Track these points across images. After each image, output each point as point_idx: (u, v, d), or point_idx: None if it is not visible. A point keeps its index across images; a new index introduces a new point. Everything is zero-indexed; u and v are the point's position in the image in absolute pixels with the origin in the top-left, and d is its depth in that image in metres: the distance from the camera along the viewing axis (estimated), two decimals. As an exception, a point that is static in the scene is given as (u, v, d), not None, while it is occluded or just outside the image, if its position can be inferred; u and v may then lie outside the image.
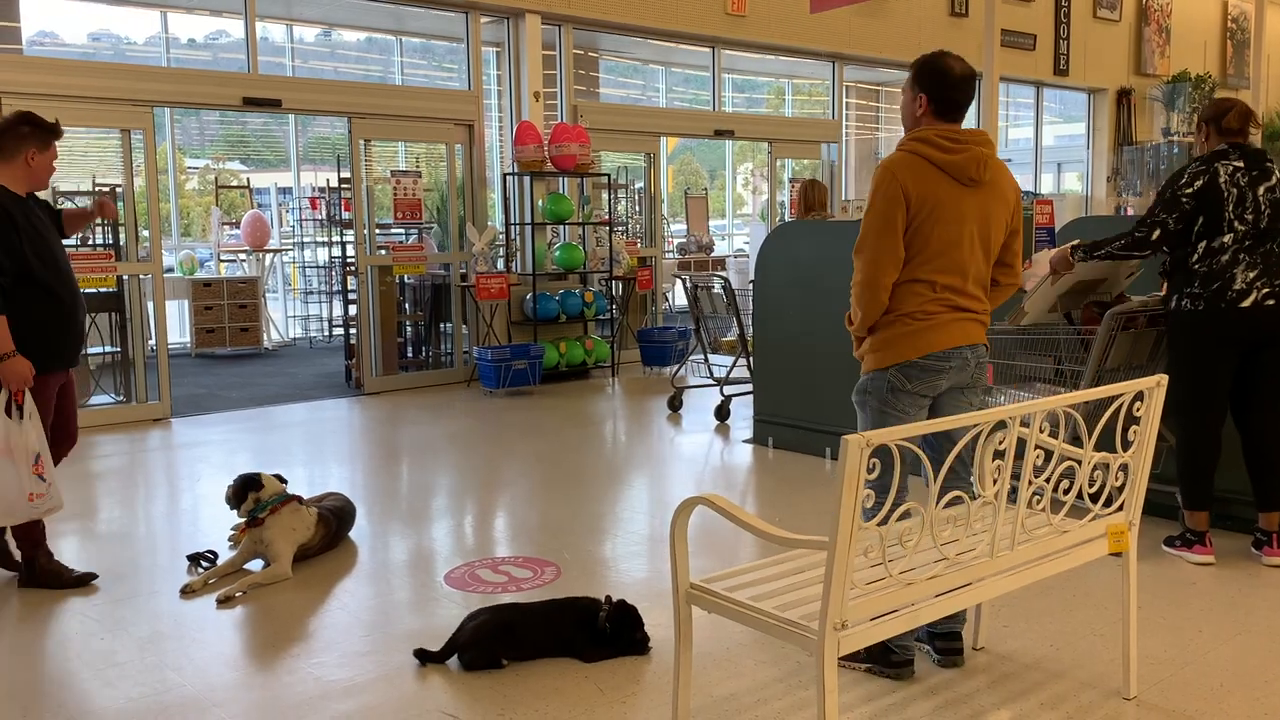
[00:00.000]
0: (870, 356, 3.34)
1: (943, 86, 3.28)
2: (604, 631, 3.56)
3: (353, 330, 9.61)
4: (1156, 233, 4.28)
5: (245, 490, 4.52)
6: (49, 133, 4.26)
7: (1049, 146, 16.00)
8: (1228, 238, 4.24)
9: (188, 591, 4.26)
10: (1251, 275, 4.25)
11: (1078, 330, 4.72)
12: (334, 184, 11.51)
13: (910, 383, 3.26)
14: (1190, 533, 4.46)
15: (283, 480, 4.67)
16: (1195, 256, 4.29)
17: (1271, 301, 4.24)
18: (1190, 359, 4.36)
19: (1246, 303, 4.23)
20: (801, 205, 8.27)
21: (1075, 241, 4.46)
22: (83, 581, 4.39)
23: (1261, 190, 4.24)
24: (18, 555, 4.49)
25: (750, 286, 7.14)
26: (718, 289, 7.90)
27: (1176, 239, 4.30)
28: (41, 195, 4.55)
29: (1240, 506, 4.70)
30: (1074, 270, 4.47)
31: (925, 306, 3.25)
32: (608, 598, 3.64)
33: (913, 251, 3.23)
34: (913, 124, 3.35)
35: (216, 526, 5.03)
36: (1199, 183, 4.26)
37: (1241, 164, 4.27)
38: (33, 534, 4.39)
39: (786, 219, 12.62)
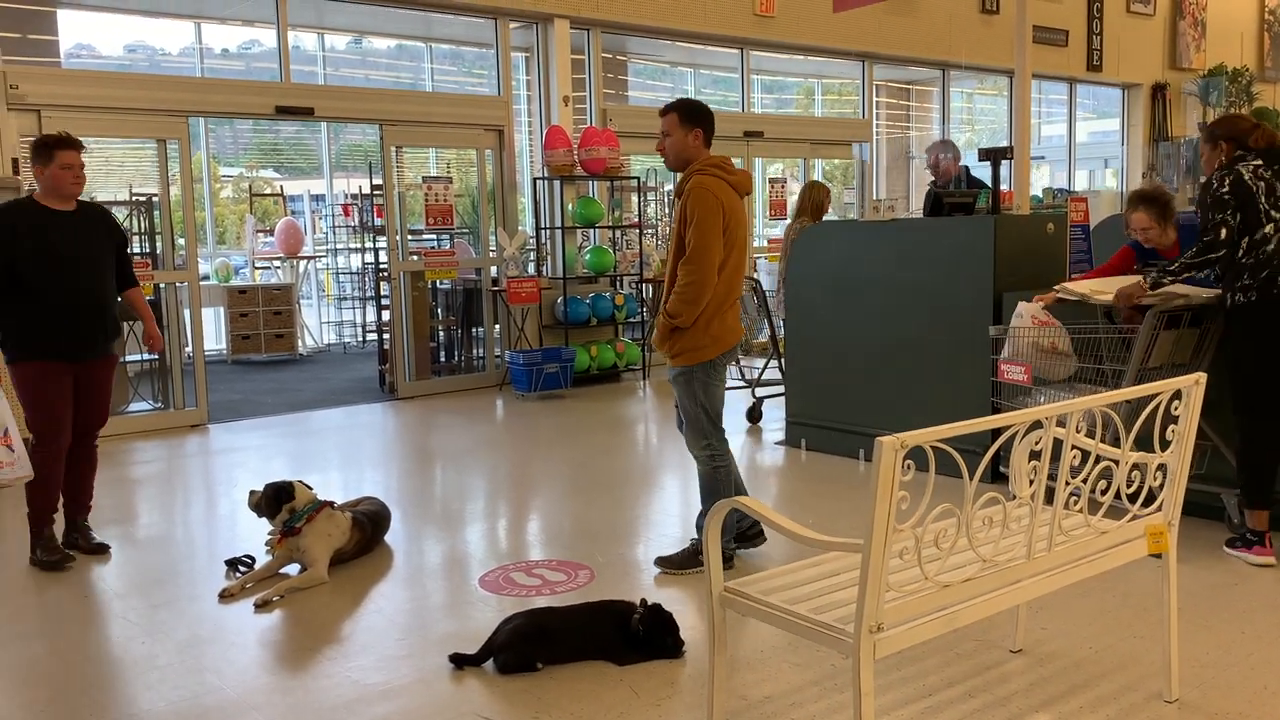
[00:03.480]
0: (697, 352, 4.27)
1: (710, 122, 4.33)
2: (637, 634, 3.56)
3: (386, 335, 9.68)
4: (1223, 232, 4.29)
5: (279, 502, 4.56)
6: (44, 147, 4.70)
7: (1083, 143, 15.83)
8: (1269, 228, 4.29)
9: (226, 596, 4.31)
10: None
11: (1119, 329, 4.67)
12: (366, 190, 11.60)
13: (724, 364, 4.36)
14: (1251, 533, 4.39)
15: (310, 488, 4.71)
16: (1241, 252, 4.32)
17: None
18: (1251, 352, 4.34)
19: None
20: (807, 208, 7.92)
21: (1138, 278, 4.51)
22: (59, 566, 4.71)
23: None
24: (95, 538, 5.00)
25: (781, 288, 7.12)
26: (747, 290, 7.88)
27: (1238, 234, 4.31)
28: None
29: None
30: (1158, 301, 4.46)
31: (729, 312, 4.30)
32: (642, 601, 3.64)
33: (727, 256, 4.19)
34: (689, 151, 4.29)
35: (254, 531, 5.08)
36: (1229, 182, 4.31)
37: (1260, 162, 4.34)
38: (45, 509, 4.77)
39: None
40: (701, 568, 4.06)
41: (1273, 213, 4.29)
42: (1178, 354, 4.70)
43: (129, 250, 5.17)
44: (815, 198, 8.00)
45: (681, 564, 4.45)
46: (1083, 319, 4.83)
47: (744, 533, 4.58)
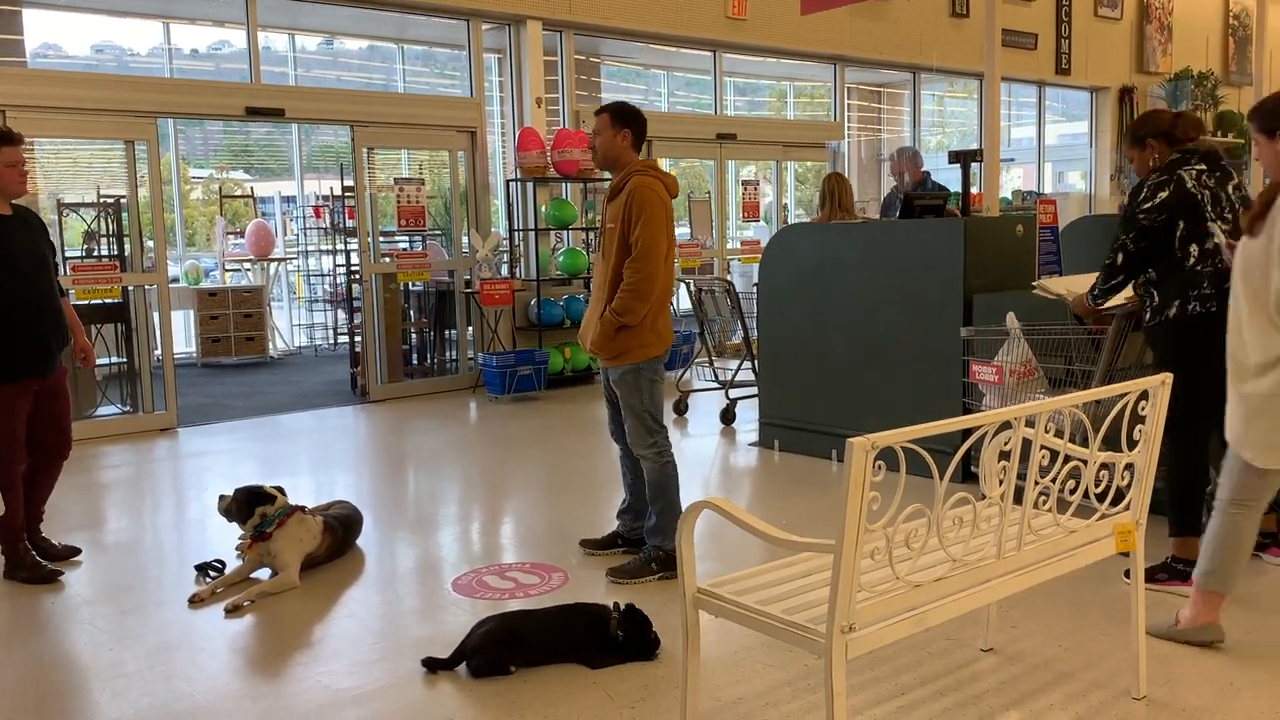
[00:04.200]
0: (643, 349, 4.35)
1: (640, 125, 4.44)
2: (616, 639, 3.55)
3: (358, 338, 9.62)
4: (1119, 257, 4.13)
5: (253, 506, 4.52)
6: None
7: (1051, 146, 15.98)
8: (1220, 238, 4.02)
9: (196, 601, 4.27)
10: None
11: (1088, 330, 4.72)
12: (338, 192, 11.53)
13: (662, 362, 4.44)
14: (1178, 561, 4.08)
15: (282, 492, 4.68)
16: (1192, 260, 4.03)
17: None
18: (1206, 363, 3.81)
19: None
20: (831, 204, 7.60)
21: (1090, 288, 4.38)
22: (46, 581, 4.56)
23: (1230, 189, 4.12)
24: (58, 543, 4.87)
25: (754, 290, 7.14)
26: (720, 292, 7.90)
27: (1142, 256, 4.11)
28: (44, 206, 4.66)
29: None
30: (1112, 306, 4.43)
31: (666, 311, 4.43)
32: (615, 604, 3.64)
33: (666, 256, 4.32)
34: (616, 151, 4.41)
35: (224, 536, 5.03)
36: (1162, 195, 4.06)
37: (1204, 166, 4.10)
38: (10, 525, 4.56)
39: (798, 220, 12.62)
40: (654, 576, 4.37)
41: (1220, 223, 4.03)
42: (1146, 355, 4.76)
43: (56, 258, 4.83)
44: (845, 193, 7.65)
45: (634, 573, 4.39)
46: (1052, 320, 4.88)
47: (640, 539, 4.59)
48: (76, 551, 4.89)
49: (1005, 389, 4.85)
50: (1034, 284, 4.88)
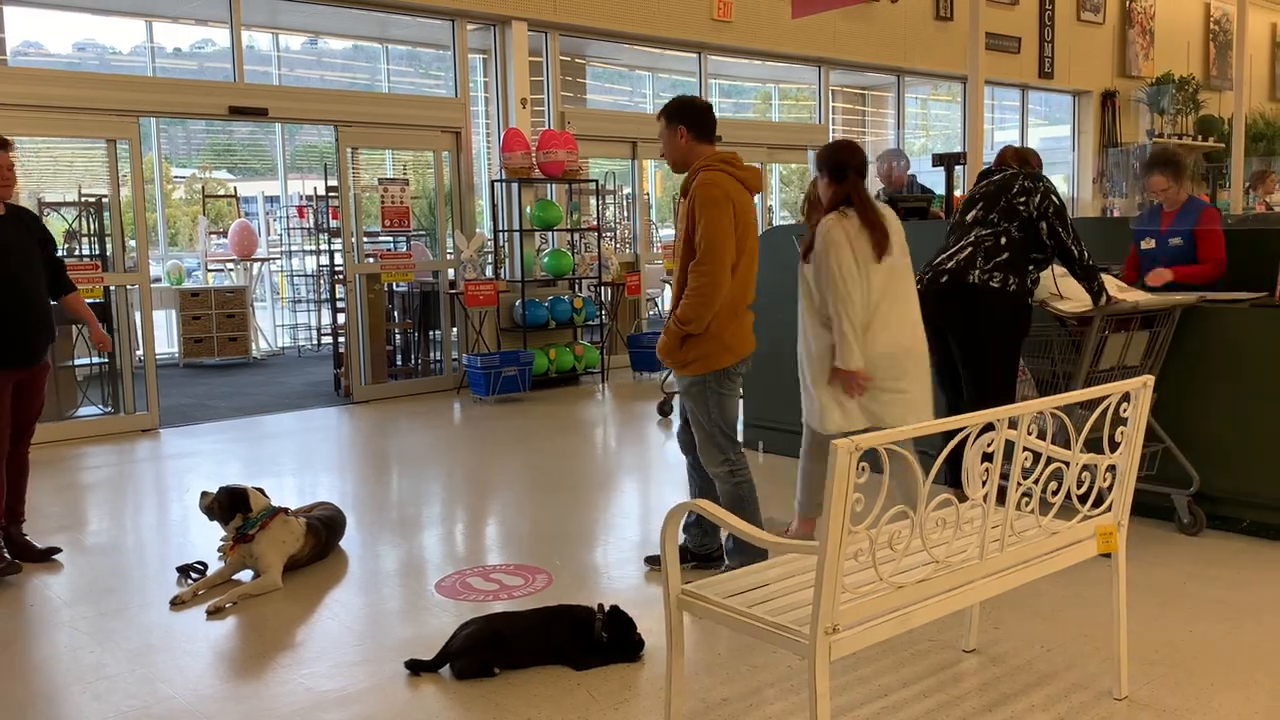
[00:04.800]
0: (708, 360, 4.05)
1: (696, 115, 4.09)
2: (601, 640, 3.55)
3: (341, 339, 9.59)
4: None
5: (233, 509, 4.51)
6: None
7: (1034, 149, 16.05)
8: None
9: (177, 603, 4.25)
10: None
11: (1070, 332, 4.75)
12: (321, 192, 11.49)
13: (737, 376, 4.15)
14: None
15: (264, 494, 4.66)
16: None
17: (919, 286, 4.60)
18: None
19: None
20: (809, 206, 7.77)
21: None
22: (13, 569, 4.58)
23: (966, 195, 4.91)
24: (37, 544, 4.87)
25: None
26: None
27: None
28: (25, 204, 4.72)
29: (1233, 506, 4.73)
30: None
31: (742, 320, 4.09)
32: (600, 606, 3.64)
33: (736, 251, 3.97)
34: (680, 150, 4.10)
35: (206, 537, 5.01)
36: None
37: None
38: None
39: (783, 222, 12.65)
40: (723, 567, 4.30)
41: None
42: (1129, 356, 4.79)
43: (58, 253, 5.00)
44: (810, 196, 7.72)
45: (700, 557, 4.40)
46: (1036, 320, 4.91)
47: (710, 554, 4.44)
48: (57, 551, 4.87)
49: None
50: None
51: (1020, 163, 4.93)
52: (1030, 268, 4.62)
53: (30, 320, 4.64)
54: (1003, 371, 4.63)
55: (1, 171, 4.57)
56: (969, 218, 4.75)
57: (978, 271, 4.58)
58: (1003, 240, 4.60)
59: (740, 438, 6.97)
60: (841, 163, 4.27)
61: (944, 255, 4.73)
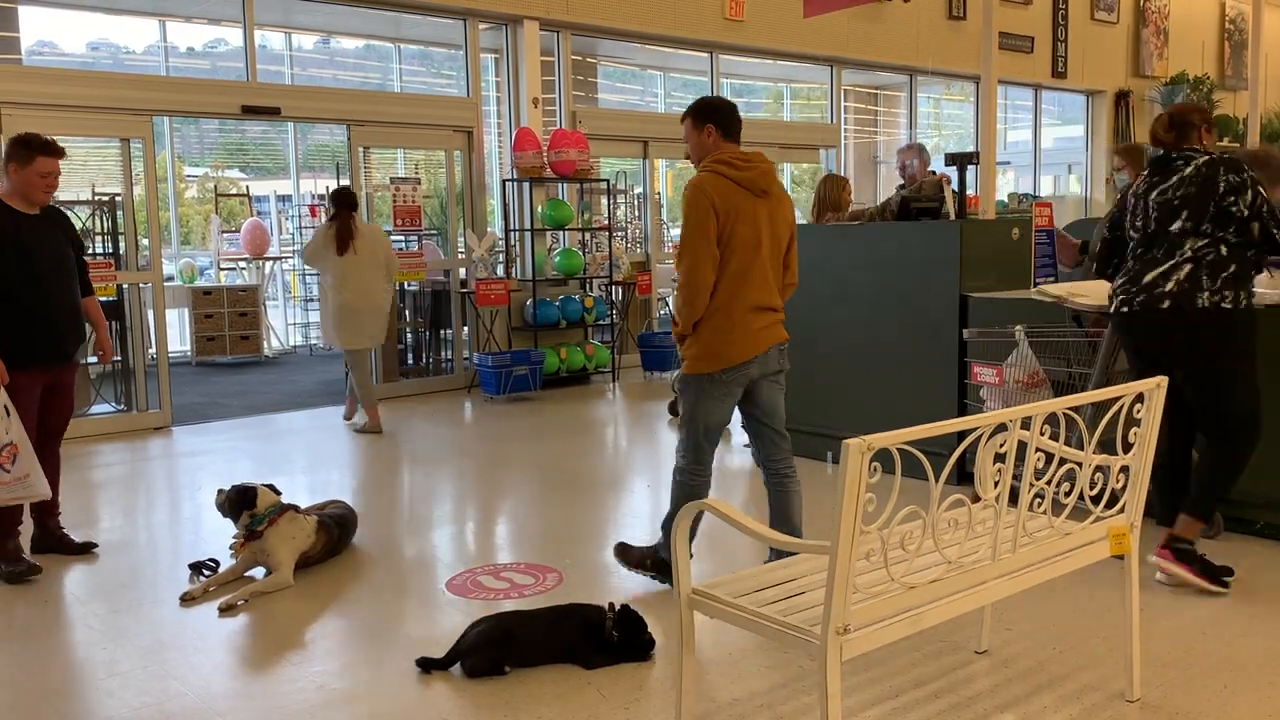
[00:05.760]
0: (695, 362, 4.00)
1: (721, 115, 4.07)
2: (611, 639, 3.55)
3: (353, 337, 9.59)
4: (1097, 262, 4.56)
5: (240, 507, 4.52)
6: (25, 148, 4.53)
7: (1048, 149, 16.00)
8: (1131, 245, 4.28)
9: (188, 599, 4.26)
10: (1120, 282, 4.24)
11: (1086, 333, 4.74)
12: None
13: (732, 383, 4.00)
14: (1179, 541, 4.17)
15: (276, 491, 4.67)
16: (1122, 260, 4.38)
17: (1125, 309, 4.17)
18: (1142, 353, 4.28)
19: (1112, 309, 4.26)
20: (819, 206, 7.49)
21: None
22: (23, 578, 4.57)
23: (1154, 195, 4.16)
24: (74, 537, 4.94)
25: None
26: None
27: (1108, 249, 4.46)
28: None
29: (1247, 508, 4.69)
30: None
31: (740, 322, 3.94)
32: (611, 605, 3.64)
33: (726, 258, 3.89)
34: (706, 150, 4.05)
35: (218, 535, 5.02)
36: (1113, 211, 4.50)
37: (1147, 173, 4.27)
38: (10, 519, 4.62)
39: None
40: (645, 572, 4.32)
41: (1131, 231, 4.24)
42: None
43: (84, 256, 5.03)
44: (829, 194, 7.48)
45: (630, 560, 4.38)
46: (1051, 322, 4.89)
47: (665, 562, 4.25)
48: (92, 546, 4.92)
49: (1007, 391, 4.86)
50: (1034, 289, 4.90)
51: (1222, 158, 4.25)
52: (1251, 273, 4.10)
53: (57, 321, 4.65)
54: (1252, 397, 4.10)
55: (49, 179, 4.56)
56: (1174, 228, 4.07)
57: (1206, 294, 3.97)
58: (1223, 251, 4.01)
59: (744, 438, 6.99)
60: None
61: (1156, 274, 4.08)
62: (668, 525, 4.18)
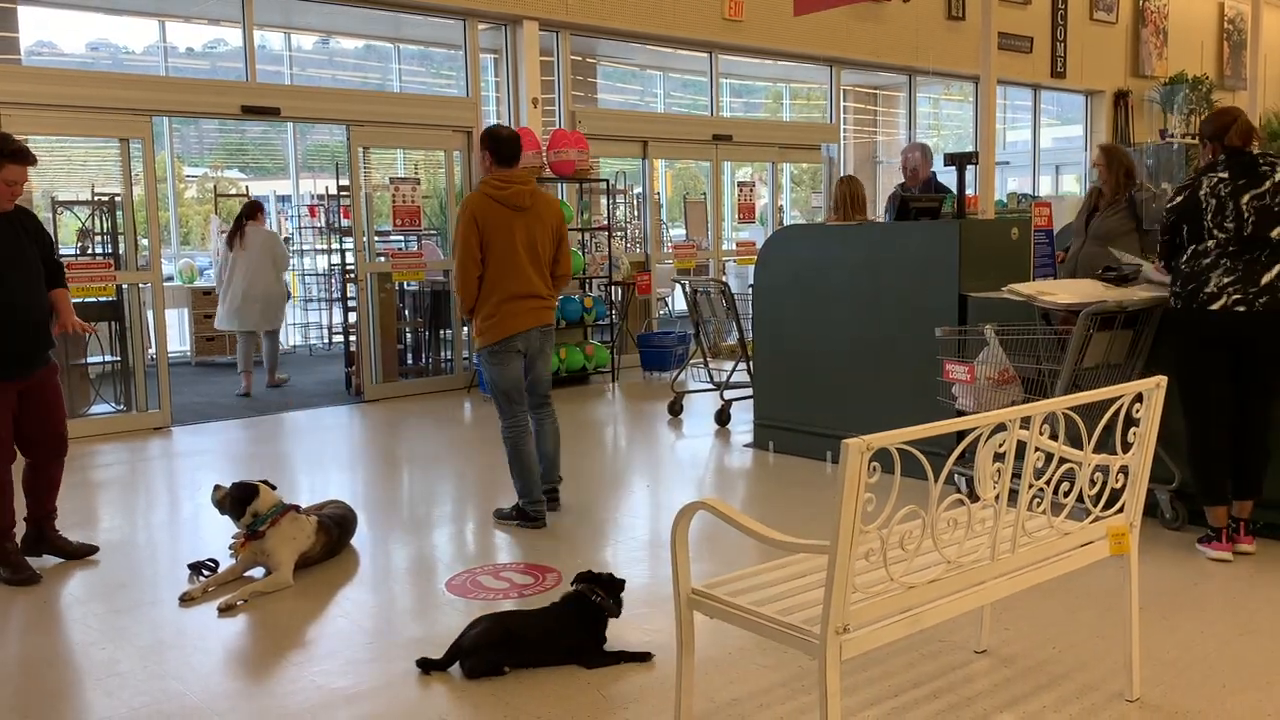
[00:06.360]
0: (477, 338, 5.17)
1: (496, 143, 5.09)
2: (615, 614, 3.66)
3: (353, 337, 9.61)
4: (1159, 248, 4.68)
5: (242, 504, 4.51)
6: None
7: (1046, 149, 16.01)
8: (1210, 243, 4.39)
9: (188, 600, 4.26)
10: (1226, 280, 4.34)
11: (1055, 331, 4.78)
12: (333, 191, 11.51)
13: (504, 353, 5.11)
14: (1210, 529, 4.54)
15: (272, 487, 4.66)
16: (1184, 258, 4.50)
17: (1241, 308, 4.31)
18: (1178, 356, 4.57)
19: (1216, 306, 4.35)
20: (846, 206, 7.55)
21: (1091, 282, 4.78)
22: (26, 584, 4.53)
23: (1246, 198, 4.31)
24: (72, 540, 4.90)
25: (749, 290, 7.14)
26: (715, 293, 7.90)
27: (1170, 249, 4.59)
28: (38, 204, 4.65)
29: (1257, 509, 4.69)
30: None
31: (502, 307, 5.04)
32: (590, 586, 3.71)
33: (488, 258, 4.99)
34: (483, 173, 5.11)
35: (217, 535, 5.02)
36: (1179, 199, 4.50)
37: (1226, 174, 4.37)
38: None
39: (794, 222, 12.63)
40: (517, 522, 5.20)
41: (1216, 231, 4.35)
42: (1113, 354, 4.80)
43: (56, 254, 4.81)
44: (854, 194, 7.59)
45: (505, 516, 5.28)
46: (1020, 320, 4.93)
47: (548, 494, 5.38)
48: (94, 549, 4.88)
49: (978, 388, 4.89)
50: (1004, 288, 4.92)
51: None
52: None
53: (16, 324, 4.45)
54: None
55: (15, 187, 4.38)
56: (1275, 234, 4.29)
57: None
58: None
59: (750, 438, 7.00)
60: None
61: (1272, 275, 4.29)
62: (514, 471, 5.24)
